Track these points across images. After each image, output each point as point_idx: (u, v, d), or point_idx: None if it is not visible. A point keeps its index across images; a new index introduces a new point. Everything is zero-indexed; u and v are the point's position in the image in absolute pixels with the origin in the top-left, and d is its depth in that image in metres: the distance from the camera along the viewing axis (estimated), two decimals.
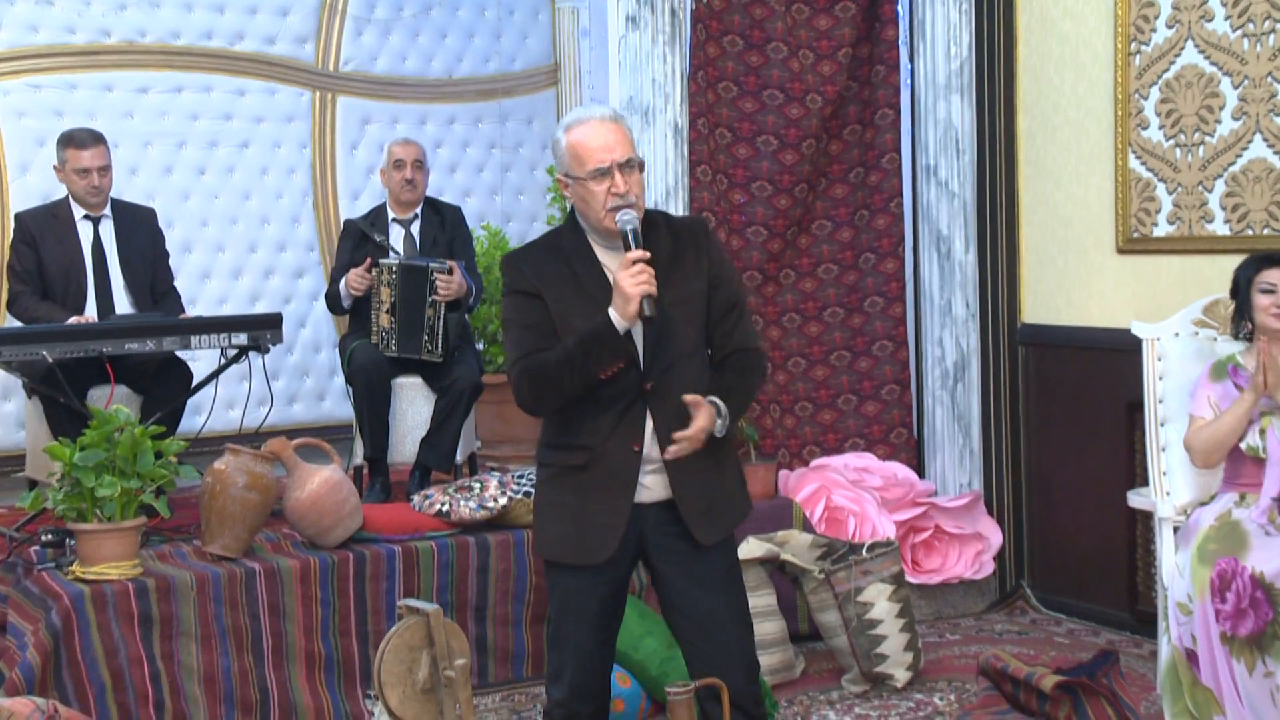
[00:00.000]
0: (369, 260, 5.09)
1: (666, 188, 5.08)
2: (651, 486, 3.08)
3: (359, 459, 5.12)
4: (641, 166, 3.07)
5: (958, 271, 5.38)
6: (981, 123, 5.41)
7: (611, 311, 2.93)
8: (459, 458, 5.13)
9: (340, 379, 5.84)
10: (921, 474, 5.46)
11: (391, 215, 5.36)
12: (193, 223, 6.42)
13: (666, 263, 3.02)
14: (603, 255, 3.09)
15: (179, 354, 5.03)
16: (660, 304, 2.94)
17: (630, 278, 2.91)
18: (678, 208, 5.10)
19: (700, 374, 3.12)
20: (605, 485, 3.06)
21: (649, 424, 3.05)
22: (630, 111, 5.09)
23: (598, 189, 3.01)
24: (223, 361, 4.93)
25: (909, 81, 5.47)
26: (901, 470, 5.33)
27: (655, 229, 3.08)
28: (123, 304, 5.14)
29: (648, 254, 2.94)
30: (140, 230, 5.25)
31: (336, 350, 6.01)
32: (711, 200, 5.20)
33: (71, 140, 5.07)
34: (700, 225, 3.21)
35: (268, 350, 4.91)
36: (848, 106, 5.43)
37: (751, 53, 5.31)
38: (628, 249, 2.95)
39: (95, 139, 5.09)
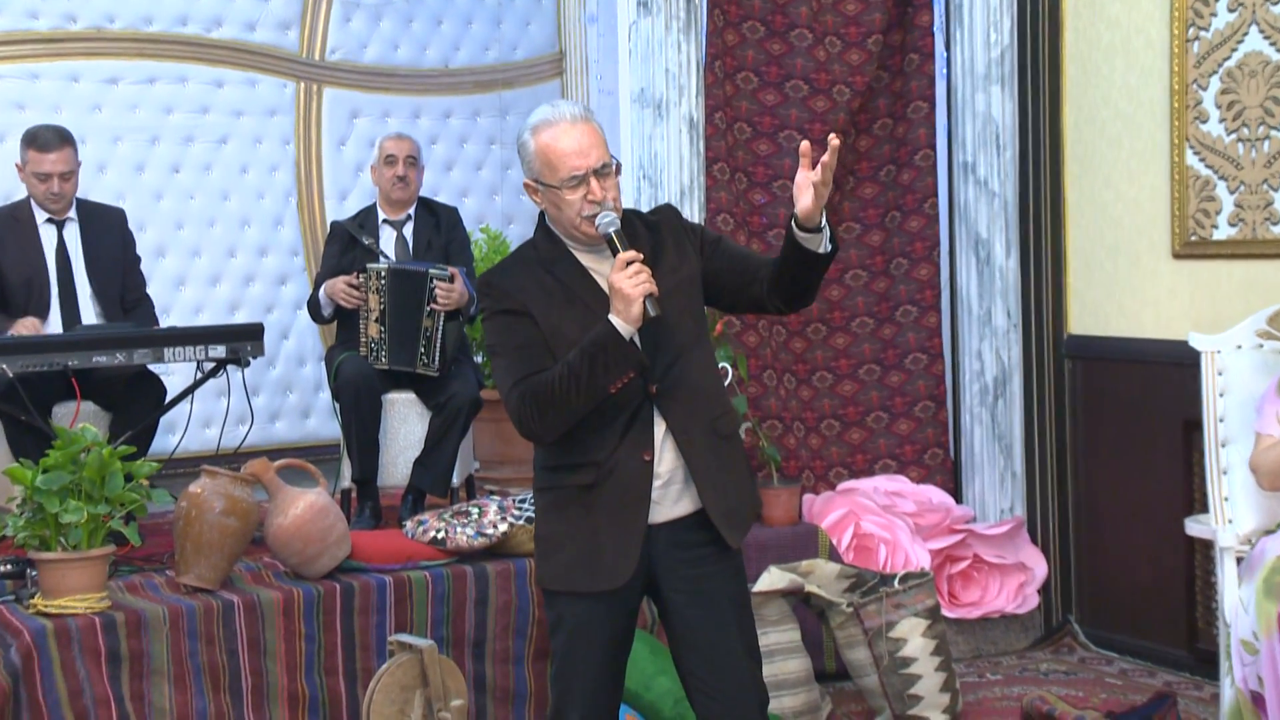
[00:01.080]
0: (356, 272, 5.08)
1: (681, 187, 5.08)
2: (661, 503, 3.09)
3: (347, 482, 5.12)
4: (618, 169, 3.08)
5: (998, 278, 5.37)
6: (1024, 116, 5.40)
7: (613, 318, 2.93)
8: (455, 480, 5.12)
9: (326, 394, 5.84)
10: (959, 498, 5.46)
11: (382, 216, 5.36)
12: (166, 225, 6.42)
13: (651, 259, 3.02)
14: (586, 259, 3.10)
15: (151, 368, 5.02)
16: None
17: (628, 279, 2.91)
18: (693, 209, 5.10)
19: (707, 364, 3.15)
20: (617, 502, 3.07)
21: (658, 430, 3.06)
22: (642, 105, 5.09)
23: (572, 197, 3.02)
24: (199, 376, 4.93)
25: (945, 71, 5.47)
26: (937, 494, 5.33)
27: (632, 227, 3.10)
28: (90, 313, 5.14)
29: (640, 254, 2.95)
30: (109, 233, 5.25)
31: (322, 363, 6.01)
32: (730, 200, 5.20)
33: (35, 140, 5.07)
34: (668, 210, 3.24)
35: (248, 363, 4.90)
36: (878, 99, 5.44)
37: (773, 40, 5.31)
38: (615, 252, 2.96)
39: (61, 140, 5.08)
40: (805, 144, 2.94)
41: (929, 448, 5.46)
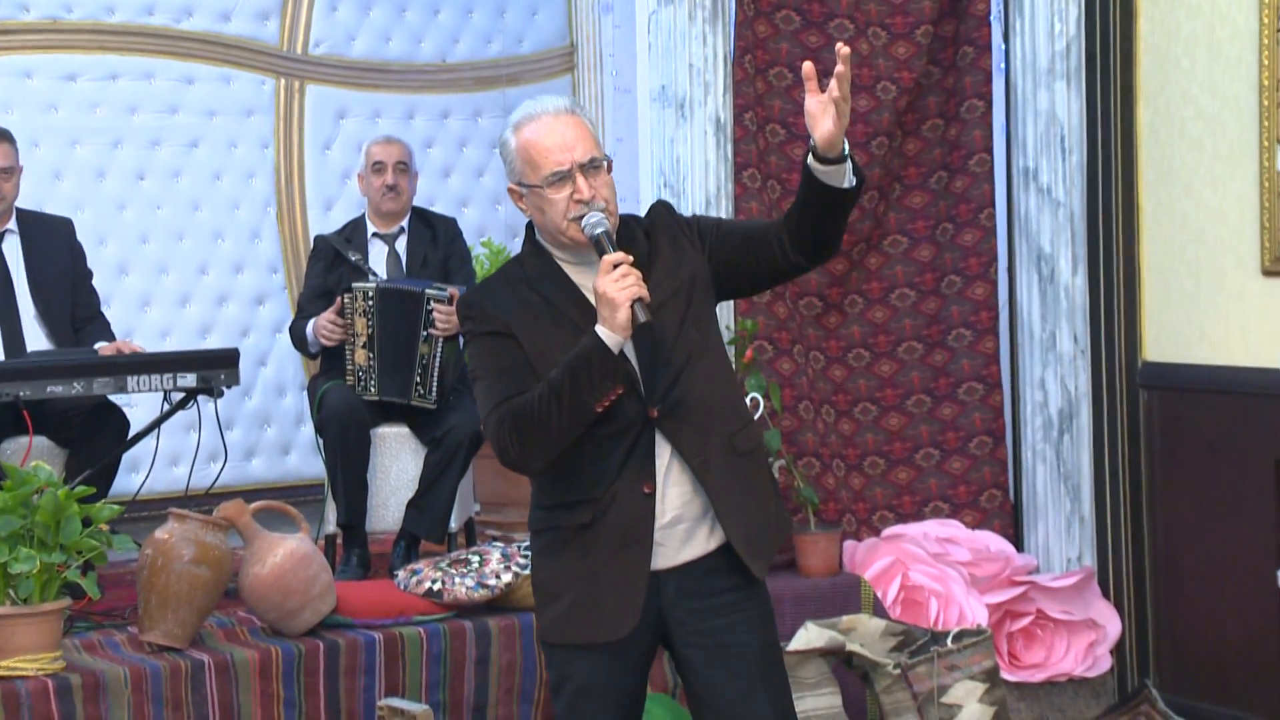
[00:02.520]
0: (340, 300, 5.10)
1: (706, 196, 5.08)
2: (666, 544, 3.07)
3: (332, 526, 5.13)
4: (609, 166, 3.07)
5: (1063, 298, 5.35)
6: (1092, 116, 5.38)
7: (599, 328, 2.92)
8: (453, 525, 5.14)
9: (309, 428, 5.85)
10: (1020, 546, 5.44)
11: (371, 229, 5.38)
12: (130, 239, 6.44)
13: (644, 265, 3.01)
14: (577, 275, 3.09)
15: (112, 398, 5.04)
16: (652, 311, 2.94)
17: (614, 283, 2.90)
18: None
19: (716, 376, 3.12)
20: (617, 541, 3.05)
21: (661, 459, 3.05)
22: (663, 104, 5.09)
23: (556, 196, 3.02)
24: (166, 408, 4.93)
25: (1003, 66, 5.47)
26: (995, 541, 5.32)
27: (629, 231, 3.10)
28: (36, 337, 5.15)
29: (629, 256, 2.94)
30: (54, 246, 5.26)
31: (304, 393, 6.02)
32: (761, 211, 5.20)
33: None
34: (662, 208, 3.23)
35: (221, 394, 4.91)
36: (928, 97, 5.44)
37: (810, 31, 5.31)
38: (603, 255, 2.95)
39: None
40: (809, 65, 2.91)
41: (986, 489, 5.44)
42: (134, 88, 6.46)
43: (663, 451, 3.04)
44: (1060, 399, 5.36)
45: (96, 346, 5.01)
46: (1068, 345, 5.36)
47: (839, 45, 2.86)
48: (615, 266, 2.91)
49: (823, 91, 2.88)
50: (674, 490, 3.05)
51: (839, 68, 2.84)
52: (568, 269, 3.10)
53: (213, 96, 6.59)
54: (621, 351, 2.94)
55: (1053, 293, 5.37)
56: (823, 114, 2.87)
